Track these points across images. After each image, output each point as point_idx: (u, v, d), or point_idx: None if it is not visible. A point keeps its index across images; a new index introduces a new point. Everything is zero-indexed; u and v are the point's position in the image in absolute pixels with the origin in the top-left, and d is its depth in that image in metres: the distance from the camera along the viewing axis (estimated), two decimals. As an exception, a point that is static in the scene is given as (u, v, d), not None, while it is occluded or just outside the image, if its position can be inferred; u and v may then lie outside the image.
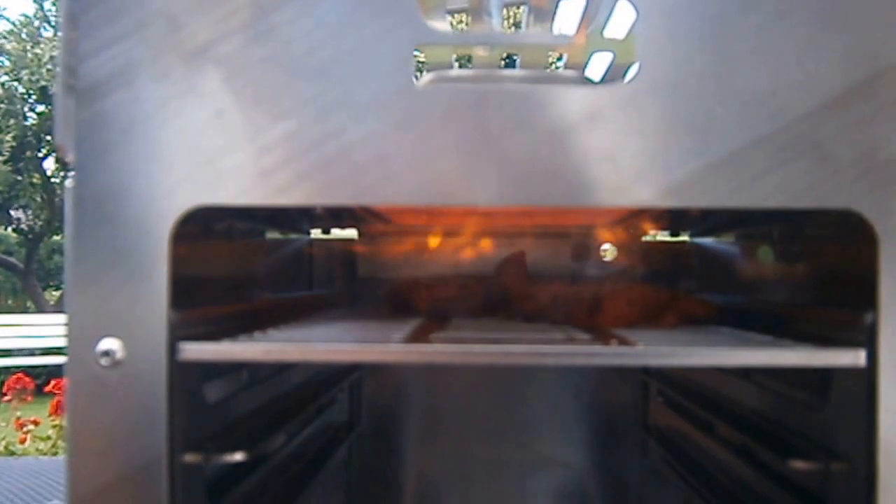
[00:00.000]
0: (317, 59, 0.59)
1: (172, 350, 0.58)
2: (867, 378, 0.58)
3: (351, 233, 1.26)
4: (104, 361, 0.58)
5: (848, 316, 0.61)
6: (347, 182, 0.58)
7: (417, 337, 0.68)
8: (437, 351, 0.62)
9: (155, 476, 0.59)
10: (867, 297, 0.58)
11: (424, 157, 0.58)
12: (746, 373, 0.87)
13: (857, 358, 0.58)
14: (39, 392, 5.42)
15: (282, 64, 0.59)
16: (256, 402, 0.84)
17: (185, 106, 0.59)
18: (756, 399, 0.85)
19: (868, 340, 0.57)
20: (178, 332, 0.59)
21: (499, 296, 0.93)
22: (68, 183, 0.60)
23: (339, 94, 0.59)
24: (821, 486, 0.67)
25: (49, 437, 4.39)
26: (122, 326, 0.58)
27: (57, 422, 4.46)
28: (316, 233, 1.24)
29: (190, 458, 0.62)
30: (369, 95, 0.59)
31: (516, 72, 0.89)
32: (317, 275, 1.24)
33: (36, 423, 4.52)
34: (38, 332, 7.85)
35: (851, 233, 0.60)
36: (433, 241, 1.19)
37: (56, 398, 4.58)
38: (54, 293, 12.31)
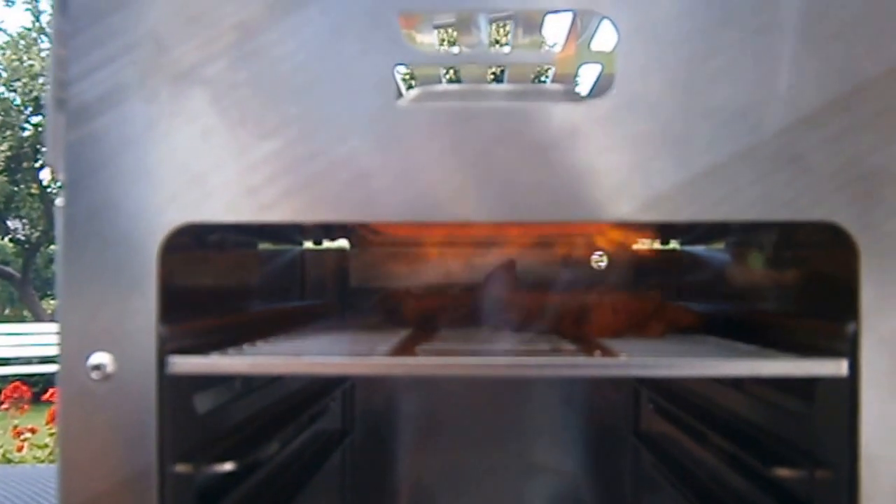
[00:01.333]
0: (301, 79, 0.60)
1: (162, 364, 0.59)
2: (849, 387, 0.59)
3: (342, 244, 1.27)
4: (95, 375, 0.59)
5: (831, 326, 0.62)
6: (333, 199, 0.59)
7: (404, 349, 0.69)
8: (421, 363, 0.63)
9: (146, 486, 0.60)
10: (849, 307, 0.58)
11: (408, 173, 0.59)
12: (735, 381, 0.88)
13: (840, 368, 0.59)
14: (37, 401, 5.43)
15: (267, 84, 0.60)
16: (247, 412, 0.84)
17: (173, 126, 0.60)
18: (744, 406, 0.86)
19: (850, 350, 0.58)
20: (167, 346, 0.60)
21: (488, 305, 0.94)
22: (59, 201, 0.61)
23: (324, 113, 0.60)
24: (806, 493, 0.68)
25: (46, 445, 4.39)
26: (112, 341, 0.59)
27: (54, 430, 4.45)
28: (308, 244, 1.25)
29: (180, 468, 0.62)
30: (353, 114, 0.60)
31: (502, 87, 0.90)
32: (308, 285, 1.25)
33: (33, 431, 4.53)
34: (35, 340, 7.84)
35: (833, 244, 0.61)
36: (423, 252, 1.20)
37: (53, 407, 4.57)
38: (51, 302, 12.29)
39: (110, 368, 0.59)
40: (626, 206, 0.60)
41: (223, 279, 0.87)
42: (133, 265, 0.60)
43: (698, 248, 1.18)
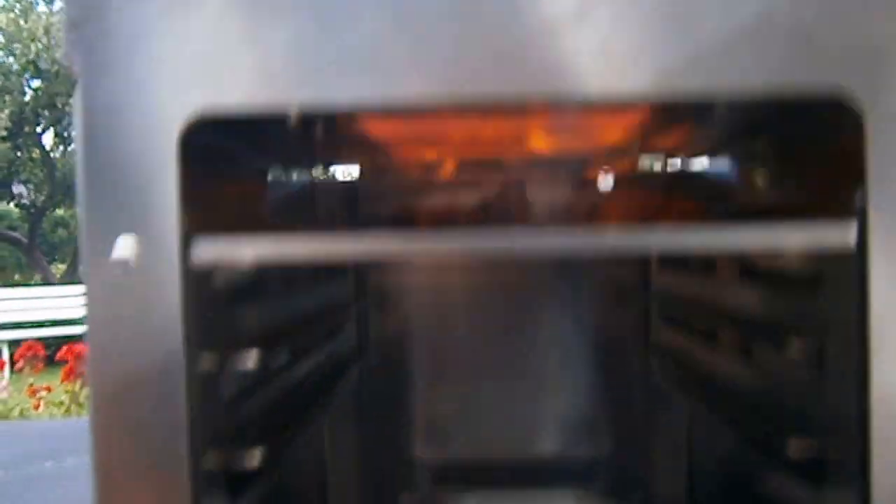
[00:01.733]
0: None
1: (186, 245, 0.61)
2: (857, 261, 0.59)
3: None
4: (120, 260, 0.60)
5: (839, 206, 0.62)
6: (348, 81, 0.60)
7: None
8: (452, 236, 0.63)
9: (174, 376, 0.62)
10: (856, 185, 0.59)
11: (422, 55, 0.60)
12: (743, 276, 0.89)
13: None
14: (51, 362, 5.48)
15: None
16: (267, 324, 0.86)
17: (186, 13, 0.60)
18: (754, 303, 0.87)
19: (859, 221, 0.59)
20: (191, 232, 0.61)
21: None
22: (75, 100, 0.62)
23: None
24: (816, 365, 0.69)
25: (62, 403, 4.44)
26: (136, 227, 0.61)
27: (69, 388, 4.51)
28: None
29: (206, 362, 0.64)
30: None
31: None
32: (319, 214, 1.26)
33: (49, 389, 4.58)
34: (45, 304, 7.90)
35: (839, 113, 0.61)
36: (432, 176, 1.21)
37: (68, 365, 4.63)
38: (60, 266, 12.36)
39: (134, 254, 0.60)
40: (636, 82, 0.60)
41: (237, 206, 0.88)
42: (153, 157, 0.61)
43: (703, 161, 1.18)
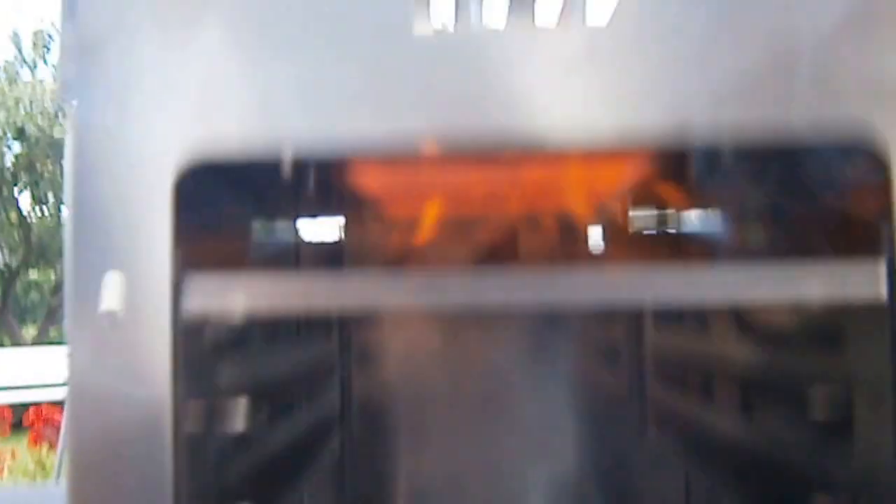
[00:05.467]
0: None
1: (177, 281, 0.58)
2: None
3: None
4: (106, 302, 0.57)
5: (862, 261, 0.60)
6: (342, 119, 0.58)
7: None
8: (452, 278, 0.60)
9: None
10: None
11: (420, 99, 0.58)
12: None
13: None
14: (17, 427, 5.34)
15: (277, 6, 0.59)
16: (254, 377, 0.83)
17: (184, 54, 0.59)
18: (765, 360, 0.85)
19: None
20: (183, 269, 0.58)
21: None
22: (68, 139, 0.60)
23: (335, 35, 0.58)
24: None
25: (27, 470, 4.31)
26: (124, 263, 0.58)
27: (35, 454, 4.39)
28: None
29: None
30: (365, 40, 0.58)
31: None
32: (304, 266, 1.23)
33: (14, 455, 4.45)
34: (14, 368, 7.72)
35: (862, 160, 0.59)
36: (420, 230, 1.19)
37: (33, 431, 4.52)
38: (30, 329, 12.14)
39: (122, 291, 0.57)
40: (648, 129, 0.58)
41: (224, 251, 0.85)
42: (146, 198, 0.58)
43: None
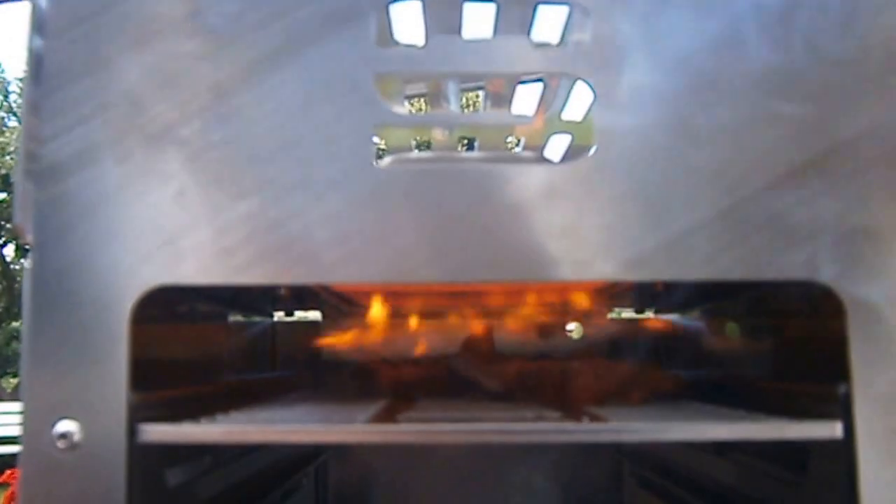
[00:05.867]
0: (277, 140, 0.59)
1: (132, 431, 0.57)
2: (845, 450, 0.57)
3: (315, 315, 1.25)
4: (61, 444, 0.56)
5: (821, 388, 0.60)
6: (308, 261, 0.58)
7: (383, 417, 0.66)
8: (403, 431, 0.60)
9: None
10: (839, 367, 0.57)
11: (384, 235, 0.58)
12: (721, 449, 0.86)
13: (834, 430, 0.57)
14: (-7, 484, 5.21)
15: (242, 145, 0.59)
16: (219, 487, 0.81)
17: (146, 186, 0.59)
18: (733, 476, 0.84)
19: (843, 412, 0.57)
20: (138, 414, 0.57)
21: (466, 375, 0.92)
22: (27, 263, 0.59)
23: (300, 175, 0.59)
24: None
25: (1, 533, 4.19)
26: (79, 408, 0.57)
27: (11, 516, 4.27)
28: (279, 315, 1.23)
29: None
30: (330, 175, 0.59)
31: (475, 153, 0.90)
32: (281, 356, 1.22)
33: (-11, 516, 4.33)
34: (-6, 421, 7.58)
35: (818, 303, 0.60)
36: (398, 323, 1.18)
37: (11, 489, 4.40)
38: (11, 381, 11.97)
39: (77, 437, 0.56)
40: (606, 267, 0.59)
41: (194, 349, 0.84)
42: (103, 329, 0.58)
43: (674, 317, 1.17)
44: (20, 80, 11.23)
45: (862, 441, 0.56)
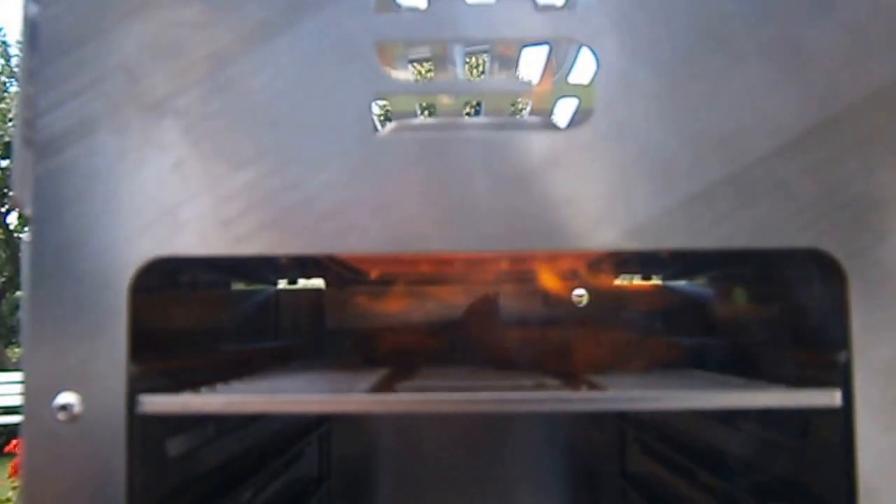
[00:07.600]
0: (276, 109, 0.59)
1: (132, 403, 0.57)
2: (844, 418, 0.57)
3: (318, 282, 1.25)
4: (61, 416, 0.56)
5: (821, 356, 0.60)
6: (308, 231, 0.58)
7: (383, 386, 0.66)
8: (403, 400, 0.61)
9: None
10: (839, 335, 0.57)
11: (386, 204, 0.58)
12: (724, 417, 0.86)
13: (833, 398, 0.57)
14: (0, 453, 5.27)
15: (241, 115, 0.58)
16: (221, 457, 0.81)
17: (144, 157, 0.58)
18: (734, 443, 0.84)
19: (843, 380, 0.57)
20: (138, 385, 0.57)
21: (469, 342, 0.92)
22: (25, 236, 0.59)
23: (300, 144, 0.58)
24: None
25: (9, 500, 4.25)
26: (80, 380, 0.57)
27: (17, 483, 4.32)
28: (282, 283, 1.23)
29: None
30: (330, 145, 0.58)
31: (480, 119, 0.89)
32: (283, 325, 1.22)
33: (-7, 482, 4.39)
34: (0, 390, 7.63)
35: (820, 271, 0.60)
36: (401, 290, 1.19)
37: (16, 459, 4.44)
38: (16, 351, 12.04)
39: (78, 409, 0.56)
40: (608, 235, 0.58)
41: (195, 319, 0.84)
42: (103, 301, 0.57)
43: (680, 283, 1.17)
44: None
45: (860, 409, 0.56)
